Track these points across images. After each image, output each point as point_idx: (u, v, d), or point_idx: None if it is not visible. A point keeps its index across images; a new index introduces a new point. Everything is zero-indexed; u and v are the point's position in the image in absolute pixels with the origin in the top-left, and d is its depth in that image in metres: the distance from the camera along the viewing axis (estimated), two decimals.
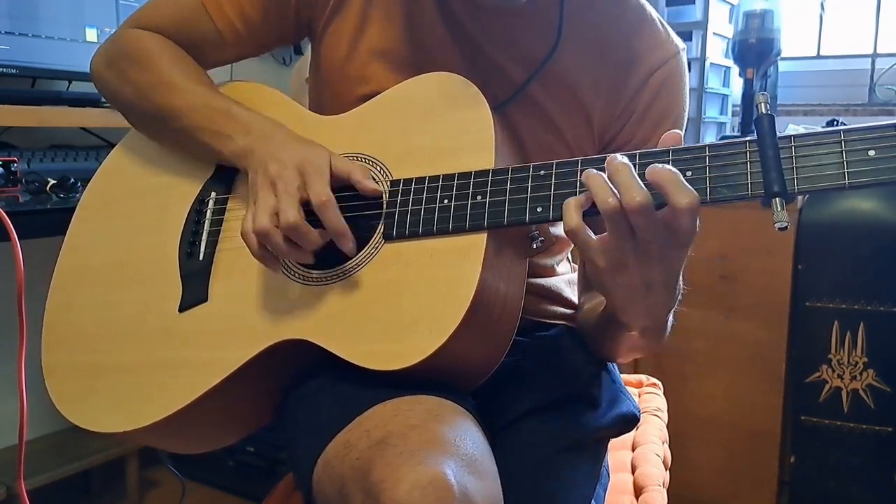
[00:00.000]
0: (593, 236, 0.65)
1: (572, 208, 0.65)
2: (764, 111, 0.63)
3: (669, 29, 0.91)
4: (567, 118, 0.88)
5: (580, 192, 0.67)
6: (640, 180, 0.62)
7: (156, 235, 0.89)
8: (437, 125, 0.81)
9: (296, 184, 0.76)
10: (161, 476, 2.11)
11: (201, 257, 0.86)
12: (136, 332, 0.85)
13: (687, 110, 0.92)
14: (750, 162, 0.64)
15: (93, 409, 0.84)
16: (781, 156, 0.62)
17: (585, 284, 0.96)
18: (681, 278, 0.71)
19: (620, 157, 0.64)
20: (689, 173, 0.64)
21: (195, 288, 0.84)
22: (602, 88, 0.88)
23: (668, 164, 0.66)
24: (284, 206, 0.74)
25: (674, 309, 0.74)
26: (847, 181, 0.60)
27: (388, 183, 0.79)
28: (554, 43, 0.86)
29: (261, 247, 0.75)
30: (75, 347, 0.88)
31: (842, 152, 0.61)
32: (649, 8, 0.90)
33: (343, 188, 0.79)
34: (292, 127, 0.85)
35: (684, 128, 0.92)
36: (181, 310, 0.84)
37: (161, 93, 0.89)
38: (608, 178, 0.63)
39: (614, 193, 0.62)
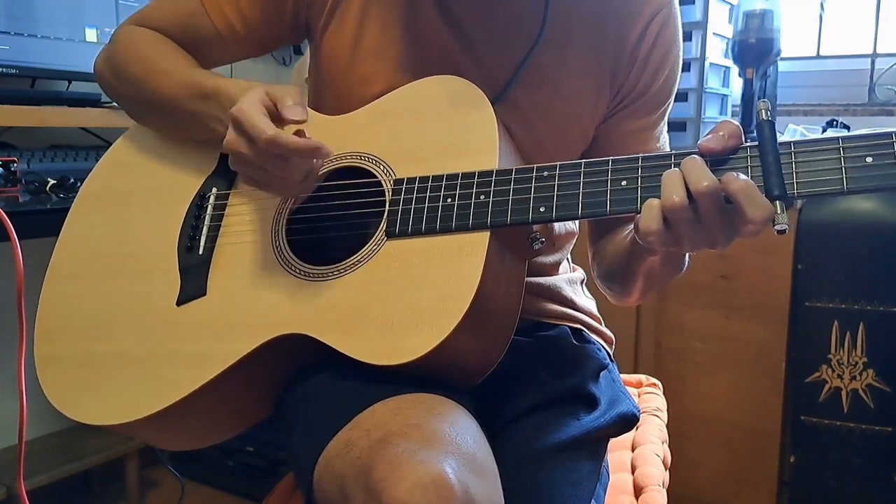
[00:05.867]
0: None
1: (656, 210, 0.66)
2: (765, 117, 0.65)
3: None
4: (576, 78, 0.89)
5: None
6: (709, 170, 0.64)
7: (155, 229, 0.89)
8: (441, 126, 0.81)
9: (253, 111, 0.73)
10: (161, 476, 2.11)
11: (201, 251, 0.86)
12: (133, 324, 0.85)
13: (681, 57, 0.93)
14: (751, 167, 0.65)
15: (87, 401, 0.83)
16: (781, 161, 0.63)
17: (598, 230, 0.97)
18: None
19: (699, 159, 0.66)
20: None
21: (194, 281, 0.84)
22: (608, 39, 0.89)
23: (671, 167, 0.67)
24: (255, 126, 0.71)
25: None
26: (845, 187, 0.62)
27: (392, 181, 0.80)
28: (544, 9, 0.86)
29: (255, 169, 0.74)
30: (70, 339, 0.88)
31: (840, 158, 0.63)
32: None
33: (343, 181, 0.79)
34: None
35: (678, 77, 0.94)
36: (179, 303, 0.84)
37: (151, 82, 0.89)
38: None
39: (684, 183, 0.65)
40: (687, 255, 0.80)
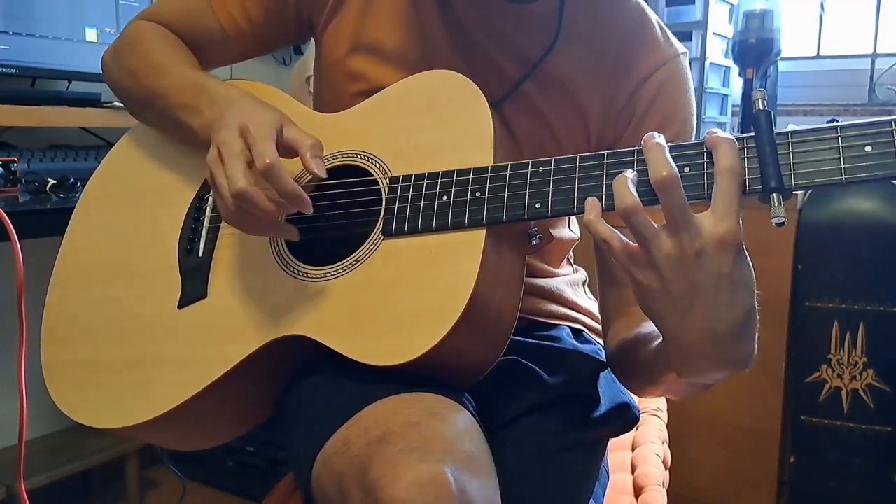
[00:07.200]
0: (646, 225, 0.62)
1: (600, 226, 0.62)
2: (761, 107, 0.63)
3: (669, 33, 0.90)
4: (561, 118, 0.88)
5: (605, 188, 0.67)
6: (670, 159, 0.60)
7: (156, 232, 0.89)
8: (436, 122, 0.81)
9: (238, 147, 0.73)
10: (161, 476, 2.12)
11: (201, 254, 0.86)
12: (136, 328, 0.85)
13: (693, 115, 0.90)
14: (747, 158, 0.64)
15: (91, 404, 0.84)
16: (778, 151, 0.62)
17: (611, 304, 0.90)
18: (752, 343, 0.64)
19: (658, 137, 0.62)
20: (686, 169, 0.64)
21: (194, 284, 0.84)
22: (600, 87, 0.87)
23: None
24: (231, 173, 0.71)
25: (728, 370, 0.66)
26: (843, 176, 0.60)
27: (388, 179, 0.80)
28: (551, 43, 0.86)
29: (238, 217, 0.73)
30: (74, 343, 0.88)
31: (838, 148, 0.61)
32: (649, 11, 0.90)
33: (341, 180, 0.79)
34: None
35: (693, 133, 0.89)
36: (180, 306, 0.84)
37: (149, 76, 0.89)
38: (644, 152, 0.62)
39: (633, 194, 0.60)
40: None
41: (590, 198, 0.64)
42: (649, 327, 0.76)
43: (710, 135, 0.63)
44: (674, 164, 0.60)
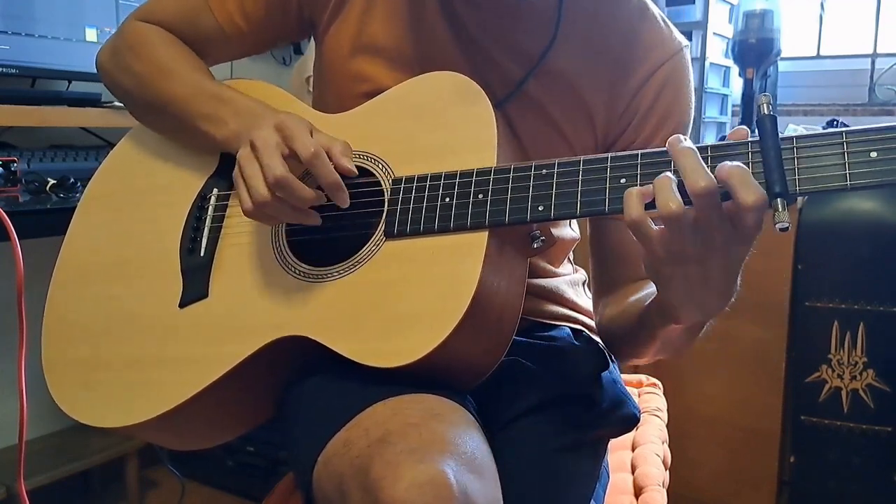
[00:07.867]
0: (654, 227, 0.63)
1: (634, 198, 0.63)
2: (766, 112, 0.63)
3: (672, 26, 0.90)
4: (566, 115, 0.88)
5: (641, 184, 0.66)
6: (705, 165, 0.60)
7: (157, 231, 0.90)
8: (439, 123, 0.81)
9: (274, 140, 0.76)
10: (161, 476, 2.12)
11: (202, 253, 0.86)
12: (137, 327, 0.85)
13: (692, 108, 0.91)
14: (752, 162, 0.63)
15: (92, 404, 0.84)
16: (783, 157, 0.62)
17: (603, 284, 0.92)
18: (739, 278, 0.68)
19: (686, 142, 0.62)
20: None
21: (196, 284, 0.84)
22: (603, 85, 0.87)
23: (671, 163, 0.65)
24: (267, 161, 0.74)
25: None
26: (848, 182, 0.60)
27: (391, 181, 0.80)
28: (550, 39, 0.86)
29: (267, 216, 0.77)
30: (76, 342, 0.88)
31: (844, 153, 0.61)
32: (652, 7, 0.90)
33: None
34: None
35: (689, 126, 0.90)
36: (182, 305, 0.84)
37: (157, 82, 0.89)
38: (673, 159, 0.62)
39: (675, 190, 0.60)
40: (707, 322, 0.76)
41: (630, 191, 0.64)
42: (641, 291, 0.81)
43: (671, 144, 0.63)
44: (709, 172, 0.60)
